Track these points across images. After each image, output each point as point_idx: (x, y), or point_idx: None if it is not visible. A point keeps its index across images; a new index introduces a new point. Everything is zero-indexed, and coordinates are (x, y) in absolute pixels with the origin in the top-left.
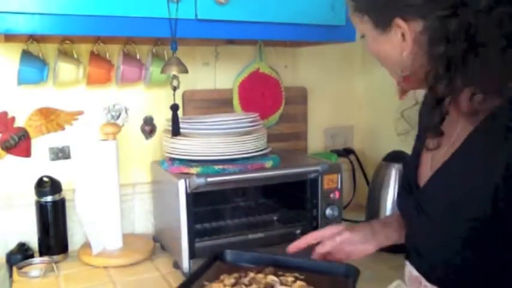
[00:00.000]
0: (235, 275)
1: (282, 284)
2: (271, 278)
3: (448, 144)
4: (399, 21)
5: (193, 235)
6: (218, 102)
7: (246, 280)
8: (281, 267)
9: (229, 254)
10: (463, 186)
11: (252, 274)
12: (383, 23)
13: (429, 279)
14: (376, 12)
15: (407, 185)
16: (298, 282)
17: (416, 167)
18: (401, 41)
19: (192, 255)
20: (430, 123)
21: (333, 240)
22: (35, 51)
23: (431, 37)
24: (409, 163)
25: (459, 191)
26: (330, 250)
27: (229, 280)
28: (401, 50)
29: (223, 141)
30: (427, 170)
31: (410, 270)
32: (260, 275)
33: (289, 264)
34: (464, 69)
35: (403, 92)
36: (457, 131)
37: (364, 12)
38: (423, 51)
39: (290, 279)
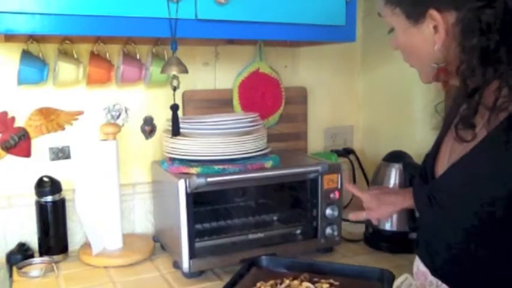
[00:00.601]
0: (271, 282)
1: None
2: (306, 285)
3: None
4: (433, 13)
5: (193, 235)
6: (218, 102)
7: (281, 287)
8: (316, 273)
9: (265, 260)
10: (478, 182)
11: (287, 281)
12: (416, 15)
13: (433, 272)
14: (409, 3)
15: (424, 175)
16: None
17: (434, 157)
18: (434, 33)
19: (192, 255)
20: (462, 115)
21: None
22: (35, 51)
23: (465, 29)
24: (429, 154)
25: (474, 186)
26: None
27: (265, 287)
28: (433, 43)
29: (223, 141)
30: (444, 161)
31: (418, 264)
32: (295, 282)
33: (324, 269)
34: (496, 61)
35: (445, 84)
36: (479, 125)
37: (396, 4)
38: (456, 43)
39: (325, 285)
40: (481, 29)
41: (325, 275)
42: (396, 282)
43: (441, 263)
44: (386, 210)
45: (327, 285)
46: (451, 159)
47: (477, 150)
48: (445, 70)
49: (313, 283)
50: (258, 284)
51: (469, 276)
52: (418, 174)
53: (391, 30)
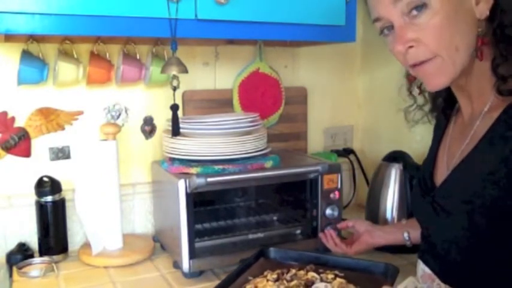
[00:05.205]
0: (278, 271)
1: (322, 280)
2: (312, 274)
3: (464, 143)
4: None
5: (193, 235)
6: (218, 102)
7: (288, 276)
8: (322, 265)
9: (272, 252)
10: (483, 181)
11: (293, 271)
12: None
13: (444, 279)
14: None
15: (423, 186)
16: (338, 280)
17: (432, 167)
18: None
19: (192, 255)
20: (499, 74)
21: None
22: (35, 51)
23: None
24: (425, 164)
25: (479, 186)
26: None
27: (272, 276)
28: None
29: (223, 141)
30: (443, 169)
31: (423, 268)
32: (301, 272)
33: (330, 262)
34: None
35: (485, 55)
36: (473, 128)
37: None
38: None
39: (330, 276)
40: None
41: (330, 267)
42: (401, 286)
43: (453, 268)
44: (363, 247)
45: (332, 276)
46: (450, 165)
47: (476, 151)
48: (486, 40)
49: (319, 273)
50: (265, 273)
51: (482, 282)
52: (417, 185)
53: (422, 5)
